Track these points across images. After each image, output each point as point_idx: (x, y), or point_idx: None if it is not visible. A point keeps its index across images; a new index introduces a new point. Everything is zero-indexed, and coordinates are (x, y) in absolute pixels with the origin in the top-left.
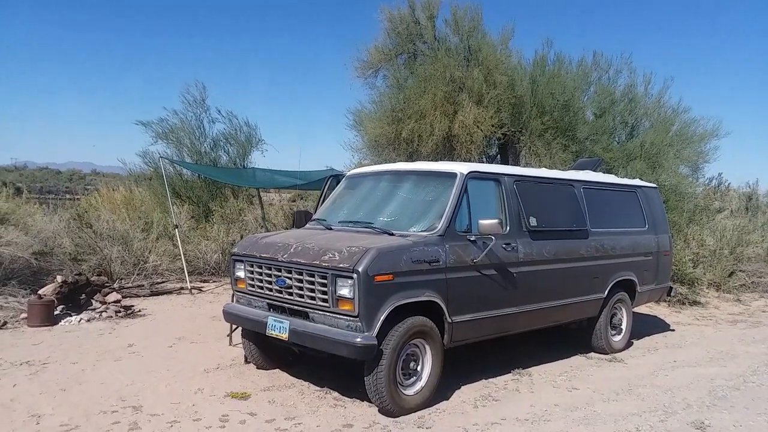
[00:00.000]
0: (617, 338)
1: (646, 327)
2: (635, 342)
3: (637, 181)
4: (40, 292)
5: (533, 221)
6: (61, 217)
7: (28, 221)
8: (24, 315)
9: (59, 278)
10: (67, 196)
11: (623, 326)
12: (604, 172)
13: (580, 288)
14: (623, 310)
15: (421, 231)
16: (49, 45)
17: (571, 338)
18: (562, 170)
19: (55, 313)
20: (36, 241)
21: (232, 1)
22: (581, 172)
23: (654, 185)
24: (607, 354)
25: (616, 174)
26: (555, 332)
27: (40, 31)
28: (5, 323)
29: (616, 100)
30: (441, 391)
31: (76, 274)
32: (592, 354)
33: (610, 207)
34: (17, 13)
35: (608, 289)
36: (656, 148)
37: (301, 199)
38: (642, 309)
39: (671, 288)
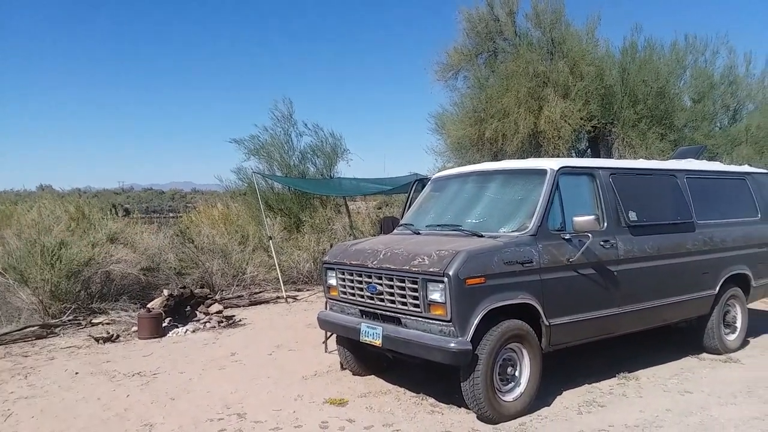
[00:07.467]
0: (732, 337)
1: (762, 324)
2: (751, 340)
3: (746, 168)
4: (148, 305)
5: (633, 216)
6: (166, 234)
7: (136, 239)
8: (135, 328)
9: (165, 292)
10: (171, 214)
11: (738, 324)
12: (707, 160)
13: (688, 285)
14: (737, 306)
15: (512, 231)
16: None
17: (681, 338)
18: (662, 160)
19: (163, 325)
20: (143, 257)
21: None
22: (683, 161)
23: (766, 171)
24: (721, 354)
25: (720, 161)
26: (663, 332)
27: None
28: (118, 336)
29: (716, 83)
30: (542, 396)
31: (181, 288)
32: (705, 355)
33: (718, 197)
34: (101, 53)
35: (720, 284)
36: (764, 131)
37: (387, 205)
38: (756, 305)
39: None
